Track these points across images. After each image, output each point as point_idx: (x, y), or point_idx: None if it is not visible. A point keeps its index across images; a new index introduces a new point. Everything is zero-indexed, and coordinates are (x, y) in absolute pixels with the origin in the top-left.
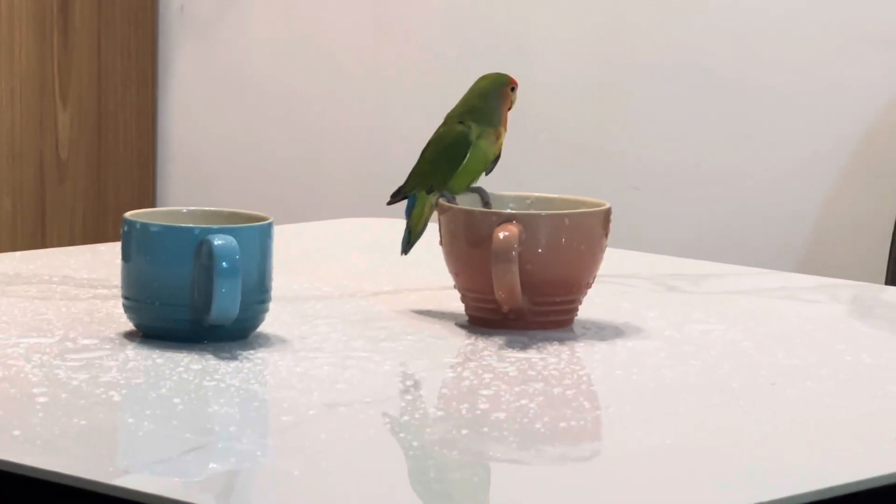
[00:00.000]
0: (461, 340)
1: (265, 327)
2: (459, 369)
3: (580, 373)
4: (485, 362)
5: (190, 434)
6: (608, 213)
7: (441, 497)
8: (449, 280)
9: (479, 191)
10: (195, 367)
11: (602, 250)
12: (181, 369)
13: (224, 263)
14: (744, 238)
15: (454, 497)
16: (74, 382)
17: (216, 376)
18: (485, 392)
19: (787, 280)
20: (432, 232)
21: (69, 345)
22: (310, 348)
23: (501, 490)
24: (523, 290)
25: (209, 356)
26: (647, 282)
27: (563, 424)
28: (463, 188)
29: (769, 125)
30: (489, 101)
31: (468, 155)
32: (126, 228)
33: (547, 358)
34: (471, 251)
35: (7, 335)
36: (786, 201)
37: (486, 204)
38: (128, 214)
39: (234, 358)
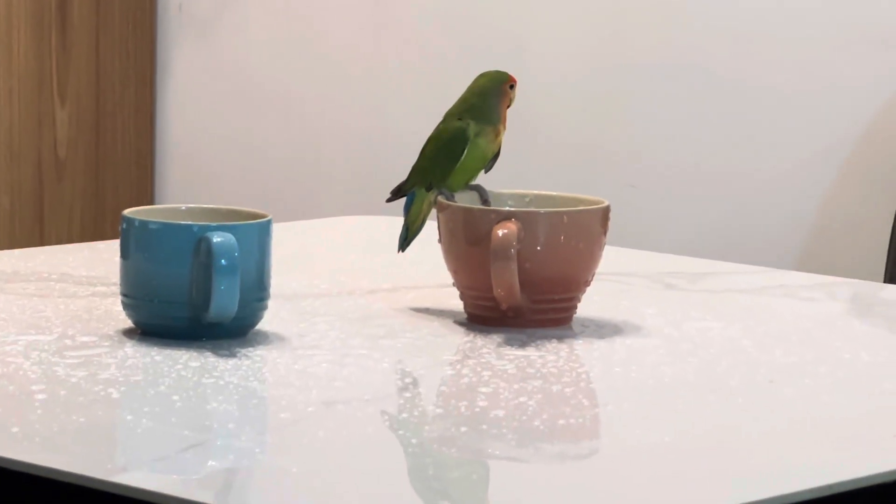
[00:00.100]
0: (460, 338)
1: (264, 325)
2: (458, 367)
3: (579, 370)
4: (483, 360)
5: (188, 431)
6: (607, 210)
7: (440, 494)
8: (448, 278)
9: (478, 188)
10: (194, 364)
11: (601, 248)
12: (180, 367)
13: (223, 261)
14: (742, 236)
15: (453, 494)
16: (73, 380)
17: (215, 374)
18: (483, 390)
19: (785, 278)
20: (431, 230)
21: (68, 342)
22: (308, 346)
23: (500, 487)
24: (522, 287)
25: (208, 353)
26: (645, 280)
27: (561, 422)
28: (462, 186)
29: (768, 124)
30: (488, 98)
31: (466, 152)
32: (125, 226)
33: (546, 356)
34: (469, 249)
35: (6, 332)
36: (784, 200)
37: (484, 202)
38: (127, 212)
39: (233, 355)
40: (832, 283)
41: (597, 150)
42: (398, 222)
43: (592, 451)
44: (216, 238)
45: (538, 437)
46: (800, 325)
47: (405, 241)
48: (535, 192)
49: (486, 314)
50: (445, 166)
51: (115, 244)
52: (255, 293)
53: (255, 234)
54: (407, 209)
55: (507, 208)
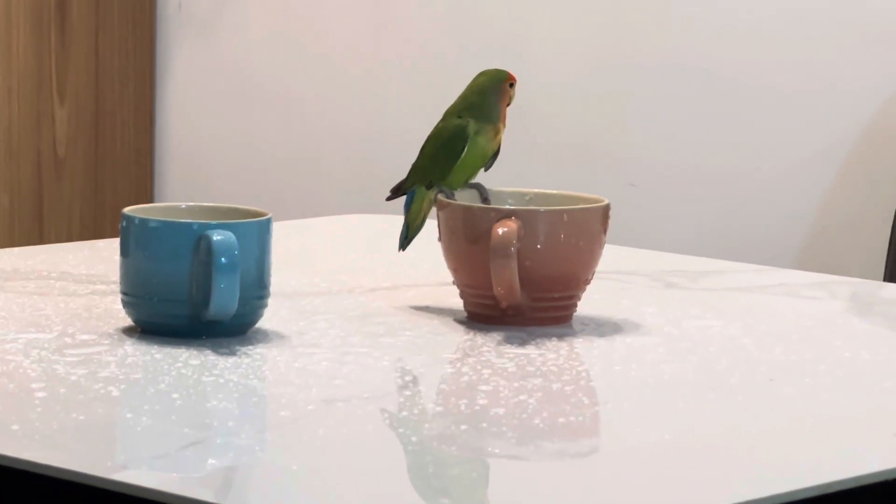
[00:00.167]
0: (460, 336)
1: (263, 323)
2: (458, 365)
3: (579, 368)
4: (483, 358)
5: (188, 429)
6: (607, 209)
7: (440, 492)
8: (447, 276)
9: (478, 187)
10: (194, 362)
11: (601, 247)
12: (180, 364)
13: (223, 259)
14: (743, 235)
15: (453, 492)
16: (73, 378)
17: (215, 372)
18: (483, 388)
19: (785, 277)
20: (431, 228)
21: (67, 340)
22: (308, 344)
23: (500, 485)
24: (522, 286)
25: (208, 351)
26: (645, 278)
27: (561, 420)
28: (461, 184)
29: (768, 124)
30: (487, 97)
31: (466, 150)
32: (125, 224)
33: (546, 354)
34: (469, 247)
35: (5, 331)
36: (784, 199)
37: (484, 200)
38: (126, 210)
39: (233, 353)
40: (832, 281)
41: (597, 149)
42: (398, 220)
43: (592, 449)
44: (216, 236)
45: (538, 436)
46: (800, 323)
47: (406, 240)
48: (536, 190)
49: (486, 312)
50: (445, 164)
51: (114, 242)
52: (255, 291)
53: (255, 233)
54: (407, 207)
55: (508, 206)
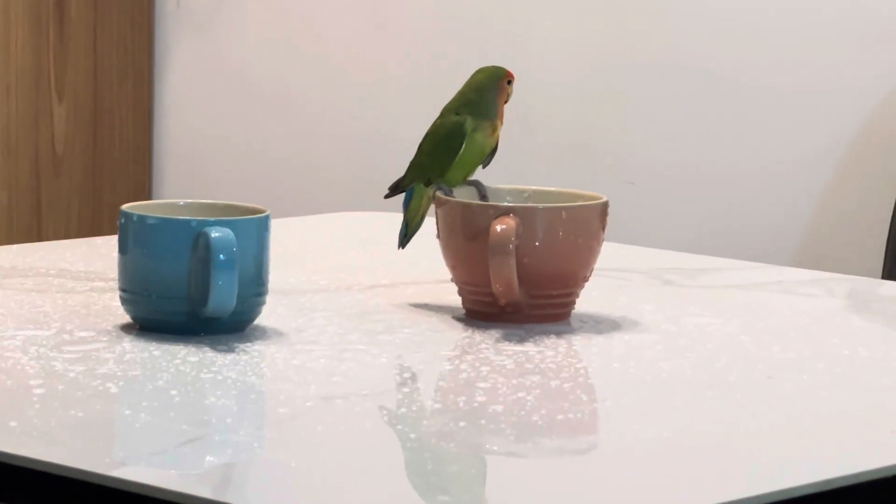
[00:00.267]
0: (458, 333)
1: (262, 320)
2: (457, 362)
3: (577, 366)
4: (482, 355)
5: (187, 426)
6: (605, 206)
7: (438, 489)
8: (446, 273)
9: (476, 184)
10: (192, 359)
11: (599, 244)
12: (178, 361)
13: (221, 256)
14: (741, 233)
15: (451, 489)
16: (71, 374)
17: (213, 368)
18: (482, 385)
19: (783, 274)
20: (429, 225)
21: (66, 337)
22: (306, 341)
23: (498, 482)
24: (520, 283)
25: (206, 348)
26: (643, 276)
27: (560, 417)
28: (460, 181)
29: (766, 121)
30: (485, 94)
31: (464, 147)
32: (123, 221)
33: (544, 351)
34: (468, 244)
35: (4, 327)
36: (783, 196)
37: (483, 197)
38: (125, 207)
39: (231, 350)
40: (830, 279)
41: (595, 147)
42: (396, 218)
43: (591, 446)
44: (214, 233)
45: (536, 432)
46: (798, 321)
47: (405, 238)
48: (534, 187)
49: (484, 309)
50: (443, 161)
51: (112, 240)
52: (254, 288)
53: (254, 230)
54: (406, 205)
55: (506, 203)
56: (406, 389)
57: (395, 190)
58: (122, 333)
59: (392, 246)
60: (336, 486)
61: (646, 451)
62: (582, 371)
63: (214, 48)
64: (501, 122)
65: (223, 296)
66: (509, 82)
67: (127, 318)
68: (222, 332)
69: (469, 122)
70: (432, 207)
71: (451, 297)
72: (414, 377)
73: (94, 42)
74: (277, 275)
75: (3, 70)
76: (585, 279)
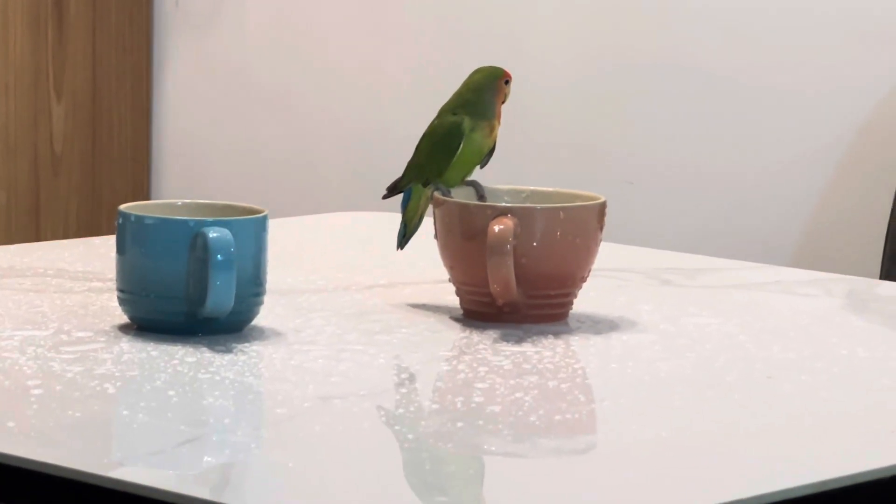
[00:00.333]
0: (456, 334)
1: (260, 320)
2: (454, 362)
3: (575, 366)
4: (480, 356)
5: (184, 426)
6: (603, 206)
7: (436, 490)
8: (444, 273)
9: (474, 184)
10: (190, 359)
11: (597, 244)
12: (176, 362)
13: (219, 256)
14: (739, 233)
15: (449, 490)
16: (69, 375)
17: (211, 369)
18: (480, 385)
19: (782, 274)
20: (427, 225)
21: (64, 337)
22: (304, 341)
23: (496, 482)
24: (518, 283)
25: (204, 349)
26: (641, 276)
27: (558, 417)
28: (458, 181)
29: (765, 122)
30: (483, 94)
31: (462, 147)
32: (121, 221)
33: (542, 351)
34: (466, 244)
35: (2, 328)
36: (781, 196)
37: (481, 197)
38: (123, 207)
39: (229, 350)
40: (829, 279)
41: (594, 147)
42: (394, 218)
43: (589, 446)
44: (212, 233)
45: (534, 433)
46: (797, 321)
47: (403, 238)
48: (532, 188)
49: (482, 310)
50: (441, 161)
51: (111, 239)
52: (251, 288)
53: (252, 230)
54: (404, 205)
55: (504, 204)
56: (404, 390)
57: (393, 190)
58: (120, 334)
59: (390, 246)
60: (334, 487)
61: (644, 451)
62: (580, 371)
63: (213, 48)
64: (499, 123)
65: (221, 296)
66: (507, 82)
67: (125, 319)
68: (220, 333)
69: (467, 123)
70: (430, 208)
71: (449, 297)
72: (412, 377)
73: (93, 42)
74: (275, 275)
75: (1, 69)
76: (583, 279)
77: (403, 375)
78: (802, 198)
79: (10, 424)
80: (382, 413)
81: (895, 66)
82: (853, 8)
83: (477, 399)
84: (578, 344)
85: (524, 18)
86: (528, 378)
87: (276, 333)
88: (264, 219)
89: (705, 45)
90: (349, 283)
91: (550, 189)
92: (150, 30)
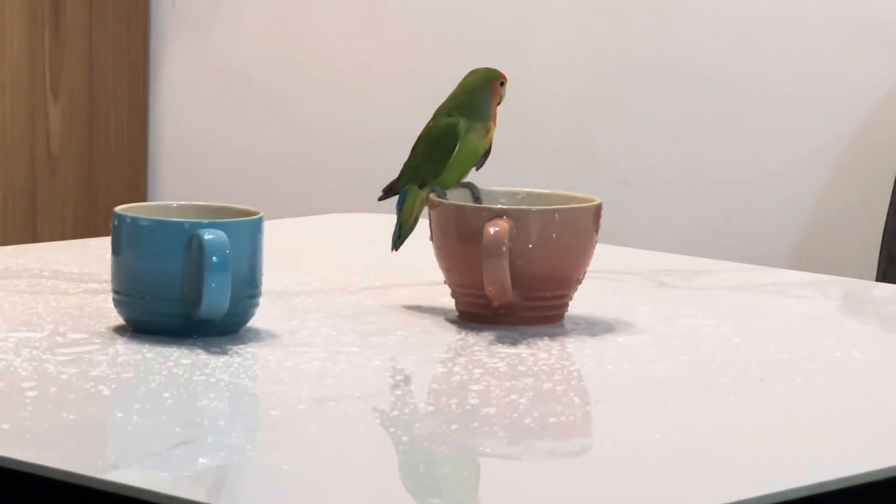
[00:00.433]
0: (451, 335)
1: (255, 322)
2: (450, 364)
3: (570, 368)
4: (475, 357)
5: (179, 428)
6: (599, 208)
7: (431, 491)
8: (439, 275)
9: (470, 186)
10: (185, 361)
11: (593, 246)
12: (171, 364)
13: (214, 258)
14: (735, 235)
15: (444, 492)
16: (64, 377)
17: (206, 371)
18: (475, 387)
19: (777, 276)
20: (423, 227)
21: (59, 339)
22: (299, 343)
23: (491, 484)
24: (513, 285)
25: (199, 351)
26: (637, 277)
27: (553, 419)
28: (453, 183)
29: (761, 123)
30: (478, 95)
31: (458, 148)
32: (116, 222)
33: (537, 353)
34: (461, 246)
35: None
36: (777, 198)
37: (476, 199)
38: (118, 208)
39: (224, 352)
40: (824, 281)
41: (589, 148)
42: (390, 220)
43: (584, 448)
44: (207, 235)
45: (529, 435)
46: (792, 322)
47: (398, 240)
48: (528, 189)
49: (477, 312)
50: (437, 163)
51: (107, 241)
52: (247, 290)
53: (247, 231)
54: (399, 207)
55: (499, 206)
56: (399, 392)
57: (388, 192)
58: (116, 335)
59: (385, 248)
60: (328, 489)
61: (639, 453)
62: (575, 373)
63: (210, 49)
64: (495, 124)
65: (216, 298)
66: (502, 84)
67: (120, 320)
68: (215, 334)
69: (462, 124)
70: (426, 209)
71: (445, 298)
72: (407, 379)
73: (90, 42)
74: (271, 276)
75: None
76: (579, 281)
77: (398, 377)
78: (798, 200)
79: (5, 426)
80: (377, 415)
81: (891, 69)
82: (848, 11)
83: (472, 401)
84: (574, 346)
85: (519, 21)
86: (524, 380)
87: (272, 335)
88: (260, 220)
89: (700, 46)
90: (345, 285)
91: (546, 191)
92: (147, 30)
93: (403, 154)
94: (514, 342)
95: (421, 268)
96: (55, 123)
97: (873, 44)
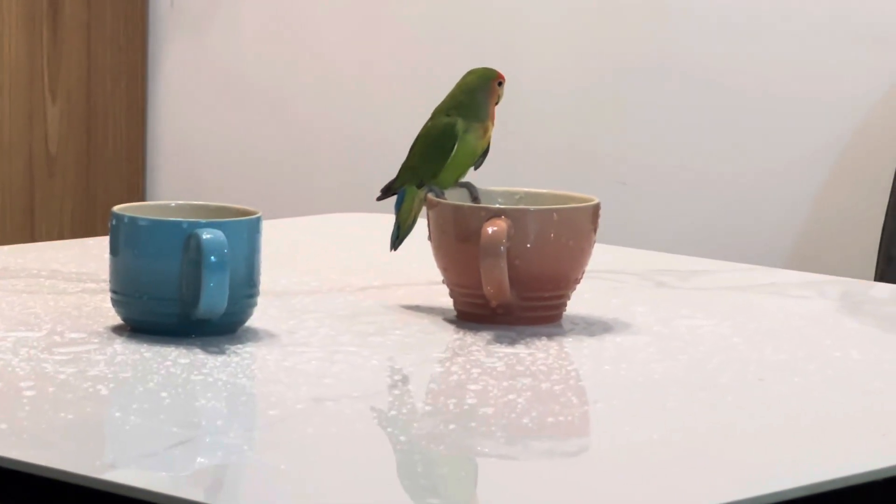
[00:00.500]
0: (449, 335)
1: (253, 322)
2: (447, 364)
3: (568, 368)
4: (473, 357)
5: (177, 428)
6: (597, 208)
7: (428, 491)
8: (437, 275)
9: (468, 186)
10: (183, 361)
11: (591, 246)
12: (169, 363)
13: (212, 257)
14: (733, 235)
15: (441, 491)
16: (62, 376)
17: (204, 370)
18: (473, 387)
19: (775, 276)
20: (421, 227)
21: (57, 339)
22: (297, 343)
23: (489, 484)
24: (512, 285)
25: (197, 350)
26: (635, 277)
27: (550, 419)
28: (451, 183)
29: (759, 123)
30: (476, 95)
31: (456, 148)
32: (114, 222)
33: (535, 353)
34: (459, 246)
35: None
36: (775, 198)
37: (474, 199)
38: (116, 208)
39: (222, 352)
40: (822, 281)
41: (588, 148)
42: (388, 219)
43: (581, 448)
44: (205, 235)
45: (527, 435)
46: (790, 322)
47: (397, 240)
48: (526, 189)
49: (475, 311)
50: (435, 163)
51: (105, 241)
52: (245, 290)
53: (245, 231)
54: (398, 207)
55: (497, 205)
56: (397, 391)
57: (386, 192)
58: (114, 335)
59: (384, 248)
60: (326, 489)
61: (637, 453)
62: (573, 373)
63: (208, 48)
64: (493, 124)
65: (214, 297)
66: (500, 84)
67: (118, 320)
68: (213, 334)
69: (460, 124)
70: (424, 209)
71: (443, 298)
72: (405, 379)
73: (88, 42)
74: (269, 276)
75: None
76: (577, 281)
77: (396, 377)
78: (797, 200)
79: (3, 426)
80: (375, 415)
81: (890, 69)
82: (846, 11)
83: (470, 401)
84: (572, 346)
85: (517, 21)
86: (522, 380)
87: (270, 335)
88: (258, 220)
89: (698, 46)
90: (343, 285)
91: (544, 191)
92: (146, 30)
93: (402, 154)
94: (513, 342)
95: (419, 268)
96: (53, 123)
97: (872, 44)
